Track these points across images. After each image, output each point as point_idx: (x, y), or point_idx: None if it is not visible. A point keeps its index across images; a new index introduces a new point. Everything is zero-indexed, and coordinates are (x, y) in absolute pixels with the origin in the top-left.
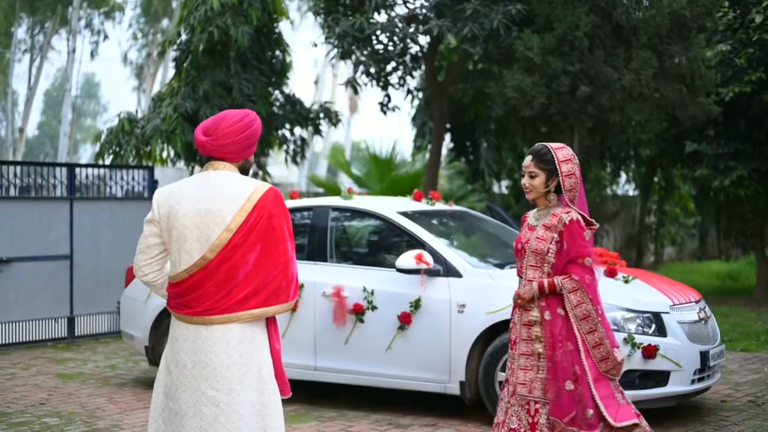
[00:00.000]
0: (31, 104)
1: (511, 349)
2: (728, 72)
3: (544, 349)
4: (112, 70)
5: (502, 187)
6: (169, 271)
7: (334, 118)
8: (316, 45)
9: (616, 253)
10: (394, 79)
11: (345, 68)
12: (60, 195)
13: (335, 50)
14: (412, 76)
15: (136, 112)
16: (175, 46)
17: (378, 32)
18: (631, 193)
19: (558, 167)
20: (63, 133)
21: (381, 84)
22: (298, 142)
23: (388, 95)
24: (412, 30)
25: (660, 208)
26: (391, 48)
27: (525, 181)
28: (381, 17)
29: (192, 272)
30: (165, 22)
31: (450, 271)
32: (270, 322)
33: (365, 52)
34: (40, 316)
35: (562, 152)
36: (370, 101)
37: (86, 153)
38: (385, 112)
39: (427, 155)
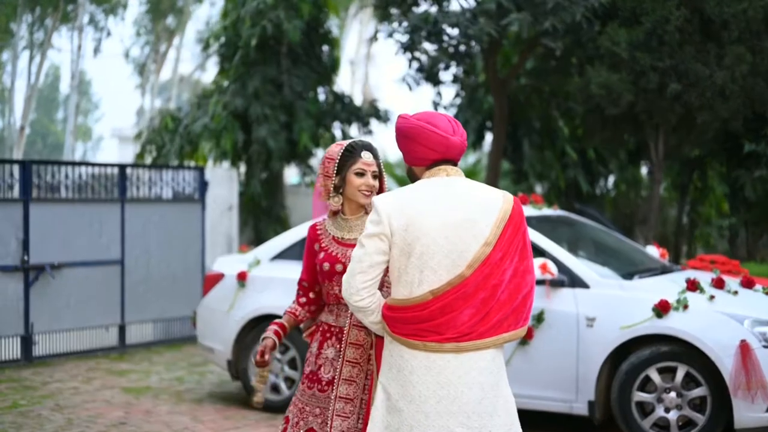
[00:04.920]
0: (31, 102)
1: (319, 388)
2: None
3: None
4: (105, 67)
5: (545, 187)
6: (391, 293)
7: (384, 116)
8: (376, 39)
9: (736, 261)
10: (447, 75)
11: (362, 64)
12: (111, 197)
13: (397, 44)
14: (467, 73)
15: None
16: (220, 41)
17: (450, 26)
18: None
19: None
20: (68, 131)
21: (435, 80)
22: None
23: (439, 93)
24: (483, 22)
25: (694, 208)
26: (462, 42)
27: (370, 181)
28: (449, 10)
29: (441, 292)
30: (170, 18)
31: (575, 282)
32: None
33: (435, 48)
34: (92, 325)
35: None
36: (388, 99)
37: (78, 151)
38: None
39: (470, 156)
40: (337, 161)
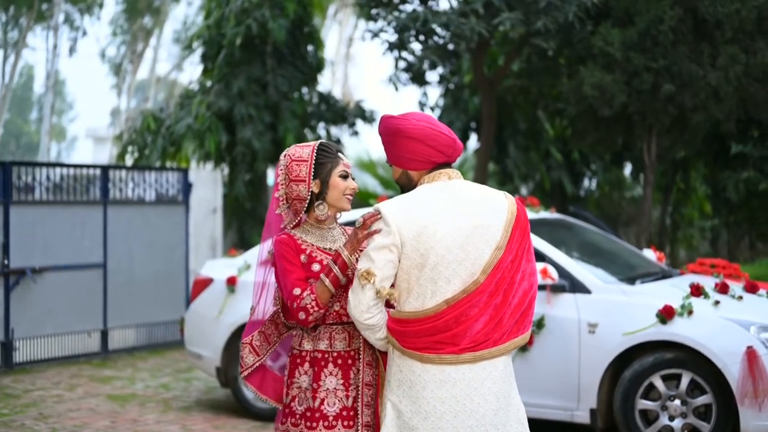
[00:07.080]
0: (5, 102)
1: (325, 425)
2: None
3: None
4: (79, 67)
5: (530, 188)
6: (399, 306)
7: (369, 117)
8: (364, 39)
9: (736, 265)
10: (434, 76)
11: (341, 64)
12: (93, 199)
13: (385, 43)
14: (453, 74)
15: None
16: (202, 41)
17: (440, 26)
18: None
19: None
20: (44, 132)
21: (421, 81)
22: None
23: (425, 93)
24: (474, 21)
25: (677, 210)
26: (451, 41)
27: (353, 184)
28: (438, 9)
29: (455, 301)
30: (147, 18)
31: (576, 287)
32: None
33: (423, 47)
34: (74, 330)
35: None
36: (367, 100)
37: (52, 151)
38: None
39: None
40: (313, 164)
